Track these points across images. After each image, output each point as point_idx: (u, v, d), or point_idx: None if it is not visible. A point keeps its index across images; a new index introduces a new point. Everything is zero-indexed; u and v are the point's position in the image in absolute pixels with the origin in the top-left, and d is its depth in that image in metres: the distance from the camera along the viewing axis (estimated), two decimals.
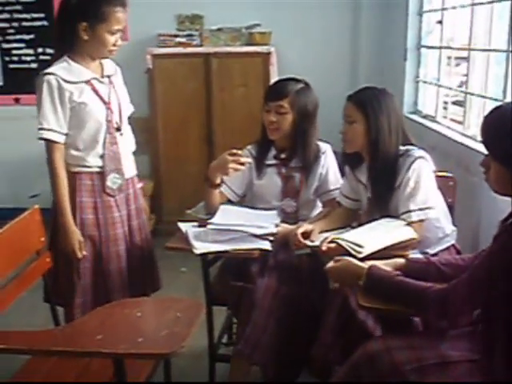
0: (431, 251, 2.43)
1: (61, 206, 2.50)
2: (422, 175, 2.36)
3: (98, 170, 2.56)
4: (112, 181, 2.59)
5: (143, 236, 2.75)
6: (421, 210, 2.36)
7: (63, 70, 2.48)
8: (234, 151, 2.60)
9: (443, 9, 4.03)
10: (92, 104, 2.51)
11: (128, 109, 2.76)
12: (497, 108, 1.81)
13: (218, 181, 2.69)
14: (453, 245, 2.50)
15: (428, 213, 2.37)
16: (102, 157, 2.56)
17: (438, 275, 1.96)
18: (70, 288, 2.57)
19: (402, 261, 2.11)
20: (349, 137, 2.45)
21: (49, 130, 2.47)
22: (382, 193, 2.42)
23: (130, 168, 2.70)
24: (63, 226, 2.50)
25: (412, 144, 2.47)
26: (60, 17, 2.53)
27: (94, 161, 2.56)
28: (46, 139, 2.48)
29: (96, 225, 2.57)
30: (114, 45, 2.50)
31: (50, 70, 2.47)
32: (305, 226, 2.50)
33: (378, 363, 1.86)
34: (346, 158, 2.61)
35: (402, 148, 2.43)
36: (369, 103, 2.40)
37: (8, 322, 2.61)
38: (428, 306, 1.83)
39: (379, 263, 2.07)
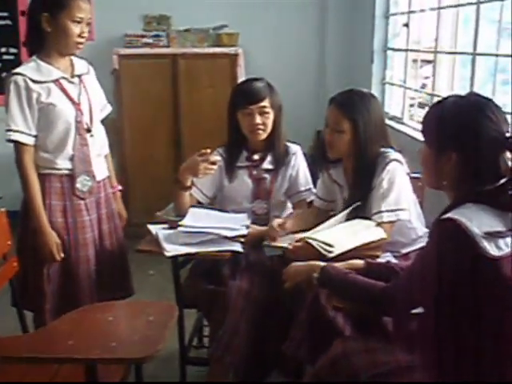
0: (403, 251, 2.47)
1: (34, 209, 2.45)
2: (395, 177, 2.38)
3: (67, 172, 2.52)
4: (82, 183, 2.55)
5: (114, 241, 2.72)
6: (392, 211, 2.38)
7: (31, 69, 2.43)
8: (204, 151, 2.59)
9: (410, 12, 4.07)
10: (60, 104, 2.47)
11: (104, 109, 2.73)
12: (436, 101, 1.88)
13: (189, 183, 2.67)
14: None
15: (399, 214, 2.39)
16: (71, 159, 2.52)
17: (396, 278, 1.99)
18: (39, 293, 2.52)
19: (360, 263, 2.13)
20: (336, 145, 2.45)
21: (16, 131, 2.42)
22: (361, 194, 2.43)
23: (101, 170, 2.66)
24: (39, 229, 2.46)
25: (391, 146, 2.49)
26: (27, 15, 2.50)
27: (63, 163, 2.51)
28: (14, 141, 2.43)
29: (65, 228, 2.53)
30: (80, 36, 2.44)
31: (17, 70, 2.43)
32: (280, 220, 2.52)
33: (337, 368, 1.88)
34: (322, 159, 2.61)
35: (379, 150, 2.45)
36: (359, 114, 2.39)
37: None
38: (373, 303, 1.91)
39: (338, 264, 2.10)
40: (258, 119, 2.66)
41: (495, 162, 1.68)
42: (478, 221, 1.60)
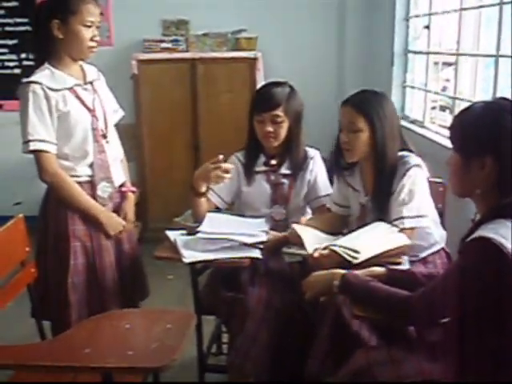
0: (421, 255, 2.42)
1: (91, 208, 2.48)
2: (417, 183, 2.34)
3: (87, 179, 2.51)
4: (102, 190, 2.54)
5: (132, 244, 2.71)
6: (414, 217, 2.33)
7: (46, 77, 2.41)
8: (216, 159, 2.55)
9: (430, 14, 4.02)
10: (77, 112, 2.45)
11: (116, 114, 2.72)
12: (465, 107, 1.82)
13: (203, 189, 2.64)
14: (442, 248, 2.48)
15: (420, 221, 2.35)
16: (90, 166, 2.51)
17: (418, 286, 1.95)
18: (63, 303, 2.48)
19: (382, 270, 2.10)
20: (353, 146, 2.39)
21: (40, 141, 2.38)
22: (382, 199, 2.39)
23: (118, 176, 2.65)
24: (104, 217, 2.51)
25: (409, 150, 2.44)
26: (35, 22, 2.49)
27: (83, 170, 2.50)
28: (38, 151, 2.39)
29: (88, 235, 2.52)
30: (92, 40, 2.44)
31: (33, 78, 2.40)
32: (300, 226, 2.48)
33: (360, 380, 1.85)
34: (336, 163, 2.57)
35: (398, 154, 2.41)
36: (373, 110, 2.35)
37: None
38: (395, 311, 1.87)
39: (359, 272, 2.07)
40: (270, 127, 2.63)
41: None
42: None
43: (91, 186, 2.52)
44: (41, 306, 2.43)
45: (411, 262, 2.38)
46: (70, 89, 2.46)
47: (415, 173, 2.34)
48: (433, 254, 2.45)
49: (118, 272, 2.61)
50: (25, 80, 2.41)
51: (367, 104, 2.37)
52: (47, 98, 2.39)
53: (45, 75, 2.42)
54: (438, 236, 2.48)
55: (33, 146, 2.38)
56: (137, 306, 2.73)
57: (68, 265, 2.47)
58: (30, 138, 2.38)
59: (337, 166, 2.57)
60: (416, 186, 2.34)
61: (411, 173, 2.34)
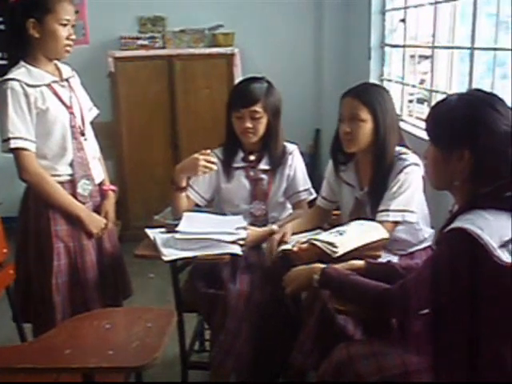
0: (410, 250, 2.46)
1: (71, 206, 2.46)
2: (411, 180, 2.36)
3: (68, 178, 2.49)
4: (82, 187, 2.52)
5: (112, 243, 2.69)
6: (399, 211, 2.35)
7: (23, 74, 2.38)
8: (204, 151, 2.56)
9: (406, 7, 4.04)
10: (55, 109, 2.43)
11: (91, 112, 2.69)
12: (440, 99, 1.84)
13: (184, 184, 2.64)
14: (429, 246, 2.51)
15: (405, 215, 2.36)
16: (70, 165, 2.48)
17: (397, 278, 1.96)
18: (48, 305, 2.45)
19: (361, 263, 2.11)
20: (355, 136, 2.39)
21: (19, 138, 2.34)
22: (378, 193, 2.40)
23: (97, 173, 2.63)
24: (82, 214, 2.48)
25: (405, 145, 2.47)
26: (8, 21, 2.46)
27: (63, 169, 2.47)
28: (18, 149, 2.35)
29: (70, 235, 2.49)
30: (68, 38, 2.42)
31: (10, 75, 2.36)
32: (279, 232, 2.47)
33: (342, 374, 1.86)
34: (333, 157, 2.58)
35: (396, 148, 2.43)
36: (376, 102, 2.37)
37: None
38: (375, 304, 1.86)
39: (338, 265, 2.07)
40: (249, 123, 2.63)
41: (507, 158, 1.64)
42: (488, 229, 1.57)
43: (71, 185, 2.49)
44: (23, 309, 2.40)
45: (399, 256, 2.41)
46: (48, 85, 2.43)
47: (412, 170, 2.37)
48: (420, 250, 2.48)
49: (99, 271, 2.59)
50: (1, 78, 2.37)
51: (370, 96, 2.39)
52: (26, 94, 2.35)
53: (22, 72, 2.38)
54: (426, 234, 2.51)
55: (13, 143, 2.34)
56: (120, 304, 2.72)
57: (51, 266, 2.44)
58: (11, 135, 2.34)
59: (334, 160, 2.58)
60: (409, 183, 2.36)
61: (408, 170, 2.36)
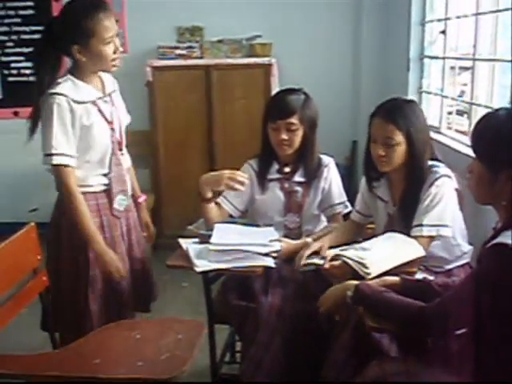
0: (447, 267, 2.41)
1: (89, 233, 2.38)
2: (443, 193, 2.31)
3: (102, 188, 2.48)
4: (119, 202, 2.52)
5: (142, 249, 2.69)
6: (433, 226, 2.30)
7: (70, 89, 2.36)
8: (235, 171, 2.55)
9: (446, 18, 3.98)
10: (99, 126, 2.42)
11: (125, 120, 2.67)
12: (487, 114, 1.78)
13: (209, 195, 2.63)
14: (468, 263, 2.45)
15: (440, 230, 2.31)
16: (105, 175, 2.48)
17: (433, 297, 1.91)
18: (81, 314, 2.43)
19: (396, 279, 2.06)
20: (390, 158, 2.34)
21: (62, 154, 2.34)
22: (409, 208, 2.36)
23: (130, 185, 2.64)
24: (100, 253, 2.40)
25: (437, 159, 2.42)
26: (45, 45, 2.41)
27: (96, 180, 2.46)
28: (59, 165, 2.35)
29: (105, 244, 2.47)
30: (115, 52, 2.39)
31: (58, 90, 2.34)
32: (312, 247, 2.42)
33: None
34: (366, 174, 2.54)
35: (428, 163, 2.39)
36: (410, 123, 2.31)
37: (6, 341, 2.56)
38: (410, 322, 1.82)
39: (373, 281, 2.04)
40: (284, 135, 2.60)
41: None
42: None
43: (106, 194, 2.49)
44: (53, 317, 2.40)
45: (435, 274, 2.35)
46: (93, 102, 2.42)
47: (443, 182, 2.32)
48: (458, 267, 2.42)
49: (131, 278, 2.58)
50: (50, 91, 2.34)
51: (403, 117, 2.32)
52: (72, 110, 2.34)
53: (68, 87, 2.36)
54: (465, 248, 2.45)
55: (55, 160, 2.33)
56: (148, 309, 2.72)
57: (87, 275, 2.44)
58: (54, 151, 2.33)
59: (367, 176, 2.54)
60: (441, 195, 2.31)
61: (439, 182, 2.31)
